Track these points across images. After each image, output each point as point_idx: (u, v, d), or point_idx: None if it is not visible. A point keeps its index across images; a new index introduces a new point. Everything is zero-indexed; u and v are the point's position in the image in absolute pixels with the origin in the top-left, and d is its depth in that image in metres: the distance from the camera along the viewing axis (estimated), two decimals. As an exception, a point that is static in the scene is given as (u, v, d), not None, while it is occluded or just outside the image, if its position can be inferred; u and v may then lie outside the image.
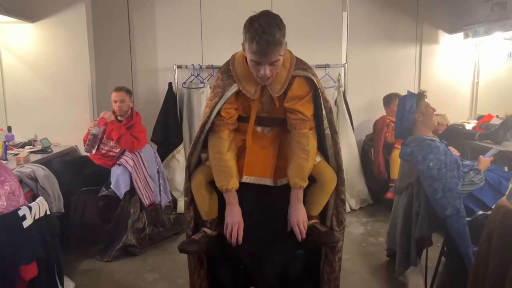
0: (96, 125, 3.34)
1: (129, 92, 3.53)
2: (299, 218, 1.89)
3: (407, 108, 2.65)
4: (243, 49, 1.79)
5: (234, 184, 1.87)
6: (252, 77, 1.83)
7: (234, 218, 1.87)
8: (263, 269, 1.96)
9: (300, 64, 1.90)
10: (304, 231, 1.89)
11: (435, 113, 2.75)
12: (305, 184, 1.89)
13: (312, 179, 1.96)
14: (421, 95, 2.68)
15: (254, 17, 1.71)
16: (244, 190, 1.91)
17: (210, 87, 4.15)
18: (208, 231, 1.96)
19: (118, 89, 3.48)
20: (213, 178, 1.91)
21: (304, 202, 1.97)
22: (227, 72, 1.90)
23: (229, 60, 1.93)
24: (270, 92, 1.88)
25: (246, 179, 1.91)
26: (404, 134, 2.79)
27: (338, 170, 2.00)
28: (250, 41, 1.68)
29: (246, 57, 1.79)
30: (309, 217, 1.97)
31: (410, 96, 2.67)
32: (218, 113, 1.88)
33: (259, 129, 1.98)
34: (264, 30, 1.64)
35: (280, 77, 1.84)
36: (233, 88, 1.86)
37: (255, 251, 1.98)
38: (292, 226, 1.90)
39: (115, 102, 3.45)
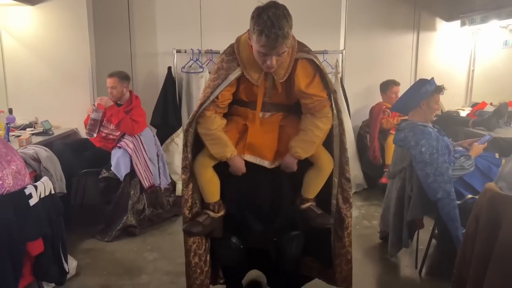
0: (95, 110, 3.35)
1: (122, 78, 3.48)
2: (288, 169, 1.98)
3: (421, 91, 2.67)
4: (249, 38, 1.81)
5: (231, 151, 1.92)
6: (256, 63, 1.85)
7: (240, 171, 1.97)
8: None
9: (301, 46, 1.93)
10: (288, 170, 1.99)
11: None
12: (304, 157, 1.94)
13: (309, 163, 2.01)
14: (439, 89, 2.69)
15: (262, 8, 1.71)
16: (251, 171, 1.97)
17: (209, 72, 4.21)
18: (211, 213, 2.02)
19: (110, 75, 3.46)
20: (216, 161, 1.96)
21: (301, 185, 2.04)
22: (232, 54, 1.92)
23: (234, 43, 1.94)
24: (273, 78, 1.91)
25: (247, 157, 1.95)
26: (401, 110, 2.88)
27: (342, 149, 2.03)
28: (258, 34, 1.69)
29: (251, 46, 1.82)
30: (306, 200, 2.04)
31: (431, 83, 2.67)
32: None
33: (260, 114, 2.01)
34: (273, 23, 1.66)
35: (283, 62, 1.86)
36: (237, 72, 1.89)
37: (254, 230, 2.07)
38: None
39: (108, 88, 3.48)
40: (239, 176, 1.99)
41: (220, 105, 1.95)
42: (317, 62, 1.92)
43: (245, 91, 1.97)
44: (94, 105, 3.36)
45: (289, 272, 2.27)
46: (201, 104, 1.93)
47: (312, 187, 2.03)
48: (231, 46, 1.95)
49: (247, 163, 1.98)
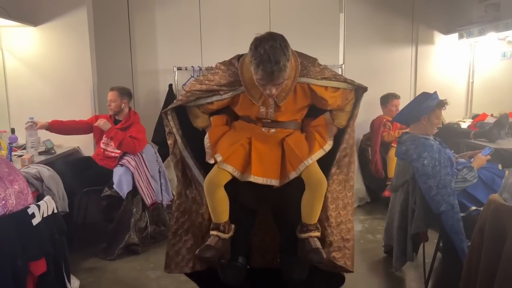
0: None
1: (123, 93, 3.55)
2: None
3: (422, 106, 2.69)
4: (250, 65, 1.83)
5: (201, 123, 2.12)
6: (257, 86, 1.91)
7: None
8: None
9: (303, 67, 1.96)
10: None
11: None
12: (344, 125, 2.09)
13: (302, 188, 1.96)
14: (441, 104, 2.71)
15: (259, 40, 1.77)
16: (252, 187, 1.96)
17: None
18: (221, 234, 1.96)
19: (111, 89, 3.57)
20: (228, 179, 1.94)
21: (298, 210, 1.99)
22: (233, 74, 1.98)
23: (237, 61, 1.99)
24: (275, 100, 1.97)
25: (254, 179, 1.93)
26: (403, 122, 2.93)
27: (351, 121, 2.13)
28: (256, 66, 1.75)
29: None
30: (306, 227, 1.97)
31: (433, 98, 2.69)
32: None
33: (264, 129, 2.05)
34: (270, 57, 1.71)
35: (285, 86, 1.91)
36: (239, 91, 1.99)
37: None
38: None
39: (108, 101, 3.56)
40: (246, 195, 1.99)
41: (205, 109, 2.09)
42: (317, 77, 1.97)
43: (245, 108, 2.03)
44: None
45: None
46: (195, 98, 2.04)
47: (310, 211, 1.96)
48: (234, 62, 2.00)
49: (252, 185, 1.95)
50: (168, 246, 2.16)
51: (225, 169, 1.92)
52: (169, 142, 2.13)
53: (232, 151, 1.95)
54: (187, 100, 2.04)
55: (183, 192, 2.14)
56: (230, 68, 2.00)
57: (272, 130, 2.05)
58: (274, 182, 1.95)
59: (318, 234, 1.97)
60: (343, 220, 2.09)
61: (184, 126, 2.15)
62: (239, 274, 2.04)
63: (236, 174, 1.94)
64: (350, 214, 2.13)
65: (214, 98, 2.00)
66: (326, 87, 1.99)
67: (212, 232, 1.98)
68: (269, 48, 1.72)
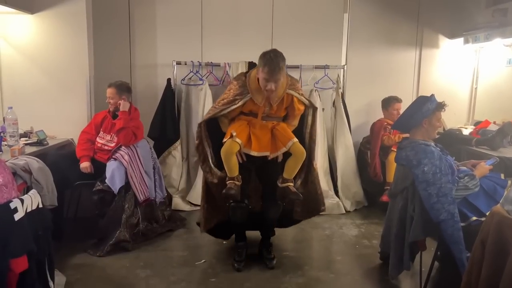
0: None
1: (120, 89, 3.46)
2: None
3: (422, 109, 2.63)
4: (257, 72, 2.75)
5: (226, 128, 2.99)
6: (260, 91, 2.79)
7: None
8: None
9: (291, 84, 2.88)
10: None
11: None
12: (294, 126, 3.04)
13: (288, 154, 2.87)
14: (440, 107, 2.66)
15: (266, 51, 2.73)
16: (253, 158, 2.88)
17: (209, 84, 4.21)
18: (236, 182, 2.84)
19: (108, 86, 3.48)
20: (237, 149, 2.80)
21: (281, 170, 2.91)
22: (243, 84, 2.86)
23: (245, 75, 2.92)
24: (271, 102, 2.85)
25: (254, 153, 2.82)
26: (403, 129, 2.85)
27: (313, 129, 3.05)
28: (263, 66, 2.66)
29: (258, 78, 2.75)
30: (285, 180, 2.89)
31: (432, 101, 2.64)
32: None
33: (263, 122, 2.92)
34: (273, 59, 2.65)
35: (278, 92, 2.79)
36: (247, 97, 2.84)
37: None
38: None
39: (107, 97, 3.48)
40: (248, 166, 2.96)
41: (228, 116, 2.95)
42: (299, 95, 2.90)
43: (251, 108, 2.90)
44: None
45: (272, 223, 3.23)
46: (223, 109, 2.86)
47: (291, 170, 2.90)
48: (243, 77, 2.91)
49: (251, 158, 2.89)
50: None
51: (236, 141, 2.78)
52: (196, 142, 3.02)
53: (240, 130, 2.83)
54: (214, 112, 2.89)
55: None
56: (240, 78, 2.91)
57: (264, 122, 2.91)
58: (266, 154, 2.85)
59: (292, 184, 2.91)
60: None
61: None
62: (245, 212, 2.96)
63: (242, 146, 2.80)
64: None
65: (233, 107, 2.84)
66: (299, 100, 2.91)
67: (229, 182, 2.83)
68: (273, 54, 2.67)
